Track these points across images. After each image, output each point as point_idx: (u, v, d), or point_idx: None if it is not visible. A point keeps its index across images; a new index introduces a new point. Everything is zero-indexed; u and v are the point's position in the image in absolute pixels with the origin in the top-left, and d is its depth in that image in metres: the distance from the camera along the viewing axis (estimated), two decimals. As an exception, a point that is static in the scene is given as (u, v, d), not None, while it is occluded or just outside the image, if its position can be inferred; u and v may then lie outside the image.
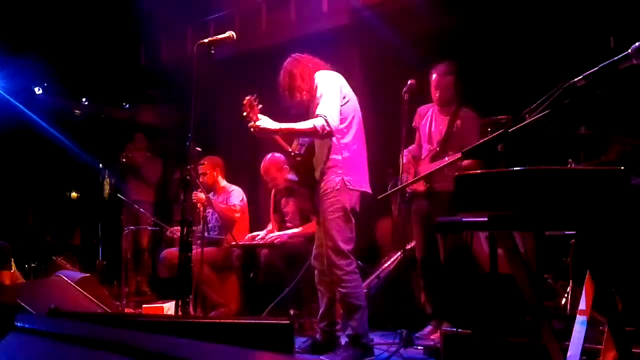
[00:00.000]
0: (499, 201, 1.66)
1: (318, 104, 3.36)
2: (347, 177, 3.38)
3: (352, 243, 3.39)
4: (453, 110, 4.04)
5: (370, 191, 3.49)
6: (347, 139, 3.42)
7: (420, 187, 3.99)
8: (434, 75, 4.03)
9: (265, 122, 3.30)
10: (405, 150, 4.12)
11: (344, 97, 3.44)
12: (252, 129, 3.30)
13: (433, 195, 3.95)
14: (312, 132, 3.32)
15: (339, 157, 3.39)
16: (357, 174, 3.44)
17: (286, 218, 4.85)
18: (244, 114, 3.29)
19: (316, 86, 3.42)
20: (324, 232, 3.39)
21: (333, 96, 3.38)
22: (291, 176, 3.60)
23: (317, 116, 3.31)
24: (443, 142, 3.99)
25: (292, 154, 3.55)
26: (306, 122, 3.34)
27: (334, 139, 3.39)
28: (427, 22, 4.98)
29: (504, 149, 1.82)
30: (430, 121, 4.15)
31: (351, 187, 3.38)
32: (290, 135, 3.49)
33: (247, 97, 3.29)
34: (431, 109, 4.17)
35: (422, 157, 4.13)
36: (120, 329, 0.76)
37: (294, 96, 3.47)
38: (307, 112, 3.54)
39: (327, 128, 3.29)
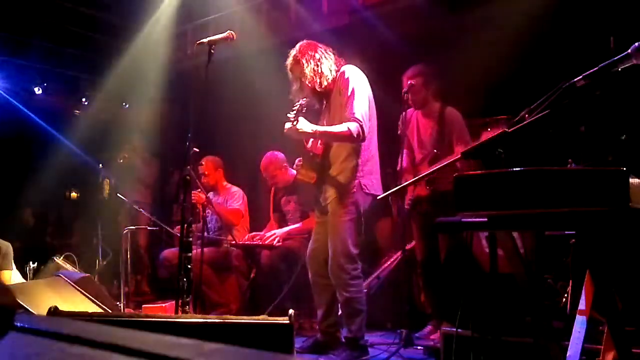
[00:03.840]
0: (499, 201, 1.66)
1: (350, 103, 3.25)
2: (364, 180, 3.34)
3: (359, 247, 3.37)
4: (437, 113, 4.02)
5: (381, 194, 3.43)
6: (368, 142, 3.36)
7: (423, 191, 3.97)
8: (403, 79, 4.00)
9: (303, 124, 3.22)
10: (402, 155, 4.12)
11: (369, 99, 3.38)
12: (286, 130, 3.23)
13: (437, 197, 3.93)
14: (347, 137, 3.23)
15: (359, 160, 3.34)
16: (373, 177, 3.40)
17: (287, 217, 4.85)
18: (293, 114, 3.22)
19: (347, 80, 3.31)
20: (333, 234, 3.33)
21: (365, 99, 3.30)
22: (305, 175, 3.52)
23: (352, 119, 3.22)
24: (438, 145, 3.97)
25: (311, 154, 3.49)
26: (341, 125, 3.23)
27: None
28: (427, 22, 4.97)
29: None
30: (416, 127, 4.11)
31: (367, 191, 3.35)
32: (325, 138, 3.38)
33: (301, 101, 3.25)
34: (413, 115, 4.13)
35: (418, 161, 4.10)
36: (120, 329, 0.76)
37: (321, 82, 3.33)
38: (322, 101, 3.46)
39: (362, 134, 3.22)
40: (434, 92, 4.04)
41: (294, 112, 3.23)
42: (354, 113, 3.23)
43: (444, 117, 3.99)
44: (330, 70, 3.36)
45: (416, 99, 3.99)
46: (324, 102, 3.50)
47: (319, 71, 3.34)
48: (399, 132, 4.16)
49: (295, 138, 3.37)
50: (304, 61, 3.36)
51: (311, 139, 3.48)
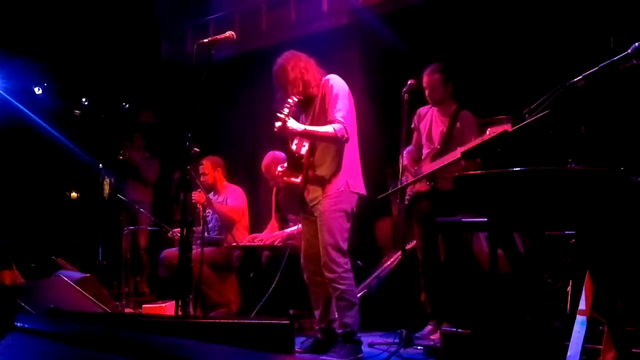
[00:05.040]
0: (499, 201, 1.66)
1: (333, 106, 3.40)
2: (350, 180, 3.46)
3: (347, 243, 3.47)
4: (452, 112, 4.07)
5: (365, 194, 3.56)
6: (351, 144, 3.50)
7: (423, 187, 3.99)
8: (424, 76, 4.08)
9: (293, 123, 3.33)
10: (404, 152, 4.13)
11: (351, 105, 3.51)
12: (277, 128, 3.31)
13: (436, 195, 3.95)
14: (332, 138, 3.37)
15: (345, 160, 3.46)
16: (357, 177, 3.53)
17: (287, 217, 4.85)
18: (285, 112, 3.30)
19: (331, 87, 3.46)
20: (323, 230, 3.42)
21: (348, 103, 3.45)
22: (290, 176, 3.61)
23: (335, 121, 3.35)
24: (444, 142, 4.01)
25: (297, 155, 3.57)
26: (327, 127, 3.37)
27: None
28: (427, 22, 4.98)
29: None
30: (429, 122, 4.18)
31: (353, 190, 3.46)
32: (311, 138, 3.50)
33: (293, 99, 3.34)
34: (430, 110, 4.20)
35: (423, 157, 4.14)
36: (120, 329, 0.76)
37: (306, 89, 3.45)
38: (306, 108, 3.56)
39: (346, 135, 3.36)
40: (451, 91, 4.08)
41: (286, 110, 3.31)
42: (337, 116, 3.37)
43: (457, 118, 4.02)
44: (314, 78, 3.49)
45: (434, 96, 4.06)
46: (307, 109, 3.60)
47: (304, 79, 3.45)
48: (412, 125, 4.20)
49: (285, 136, 3.47)
50: (289, 69, 3.47)
51: (295, 141, 3.59)
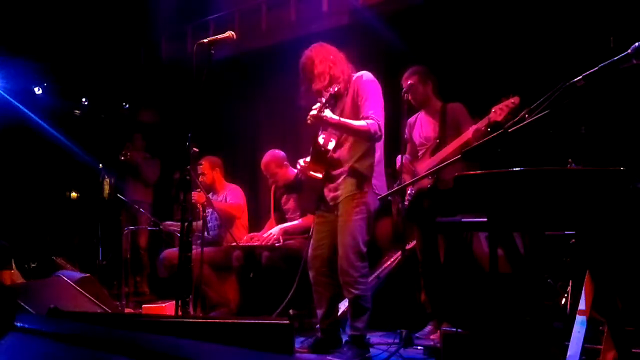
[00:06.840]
0: (499, 201, 1.66)
1: (369, 103, 3.30)
2: (374, 181, 3.38)
3: (367, 246, 3.40)
4: (439, 109, 4.07)
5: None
6: (380, 144, 3.42)
7: (425, 182, 3.98)
8: (402, 83, 4.04)
9: (329, 112, 3.22)
10: (400, 157, 4.14)
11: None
12: (312, 116, 3.20)
13: (437, 194, 3.95)
14: (365, 133, 3.27)
15: (371, 160, 3.38)
16: (382, 179, 3.46)
17: (286, 216, 4.85)
18: (324, 100, 3.20)
19: (365, 82, 3.36)
20: (345, 232, 3.33)
21: (381, 102, 3.37)
22: (314, 170, 3.49)
23: (369, 118, 3.27)
24: (440, 135, 4.01)
25: (323, 149, 3.44)
26: (361, 121, 3.27)
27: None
28: (428, 22, 4.98)
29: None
30: (420, 126, 4.18)
31: (376, 192, 3.38)
32: (344, 130, 3.37)
33: (331, 90, 3.23)
34: (418, 116, 4.22)
35: (421, 155, 4.13)
36: (120, 329, 0.76)
37: (333, 84, 3.31)
38: (334, 104, 3.42)
39: (379, 133, 3.28)
40: (432, 89, 4.08)
41: (325, 99, 3.20)
42: (371, 113, 3.27)
43: (446, 113, 4.03)
44: (342, 73, 3.38)
45: (416, 97, 4.05)
46: (336, 105, 3.46)
47: (331, 73, 3.35)
48: (405, 136, 4.19)
49: (318, 125, 3.34)
50: (317, 62, 3.37)
51: (323, 135, 3.44)
